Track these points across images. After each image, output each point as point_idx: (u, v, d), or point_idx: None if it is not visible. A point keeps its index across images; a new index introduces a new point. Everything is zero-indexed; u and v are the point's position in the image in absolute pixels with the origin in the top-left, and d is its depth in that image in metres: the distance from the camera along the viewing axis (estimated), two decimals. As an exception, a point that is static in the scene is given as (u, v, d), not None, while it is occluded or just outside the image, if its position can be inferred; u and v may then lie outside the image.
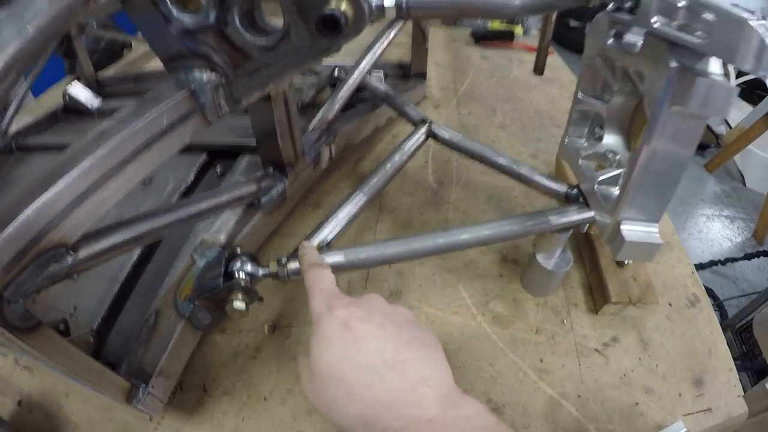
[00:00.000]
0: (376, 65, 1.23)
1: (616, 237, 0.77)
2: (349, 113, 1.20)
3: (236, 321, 0.91)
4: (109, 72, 1.76)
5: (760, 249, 3.23)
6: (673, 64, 0.60)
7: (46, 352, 0.53)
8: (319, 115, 1.03)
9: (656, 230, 0.77)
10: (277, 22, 0.59)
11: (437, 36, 2.13)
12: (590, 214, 0.85)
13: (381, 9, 0.55)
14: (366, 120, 1.22)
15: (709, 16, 0.54)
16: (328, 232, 0.79)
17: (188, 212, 0.70)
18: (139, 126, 0.54)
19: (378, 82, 1.23)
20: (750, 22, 0.49)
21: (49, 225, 0.47)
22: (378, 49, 1.19)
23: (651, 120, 0.66)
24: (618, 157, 0.87)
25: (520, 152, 1.36)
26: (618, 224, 0.76)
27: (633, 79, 0.75)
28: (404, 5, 0.55)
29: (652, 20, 0.61)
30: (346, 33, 0.51)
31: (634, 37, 0.76)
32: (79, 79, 1.56)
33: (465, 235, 0.78)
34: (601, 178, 0.83)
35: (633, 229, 0.76)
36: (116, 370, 0.70)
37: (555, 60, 1.92)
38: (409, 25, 1.38)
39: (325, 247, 0.78)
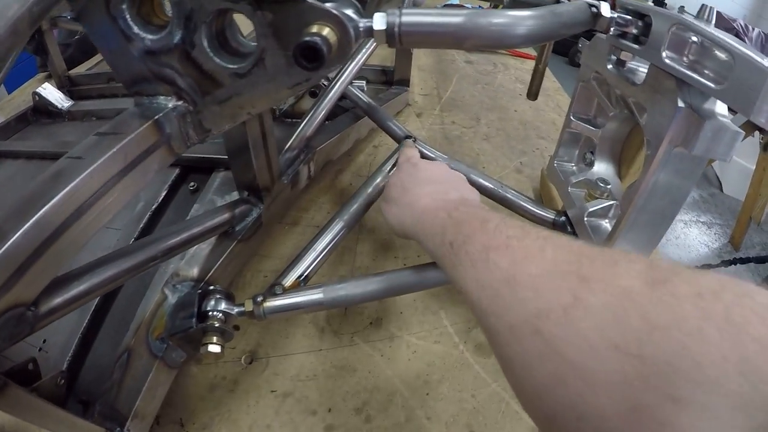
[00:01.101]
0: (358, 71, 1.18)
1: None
2: (329, 126, 1.14)
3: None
4: (83, 69, 1.69)
5: (737, 256, 3.25)
6: (681, 104, 0.56)
7: (16, 411, 0.49)
8: (297, 132, 0.97)
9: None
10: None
11: (421, 37, 2.09)
12: (579, 243, 0.82)
13: (369, 32, 0.49)
14: (347, 134, 1.17)
15: (723, 55, 0.50)
16: (307, 266, 0.75)
17: (158, 250, 0.64)
18: (99, 165, 0.47)
19: (360, 92, 1.18)
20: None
21: (6, 285, 0.42)
22: (362, 57, 1.14)
23: (649, 158, 0.63)
24: (609, 186, 0.83)
25: (505, 166, 1.33)
26: (609, 261, 0.73)
27: (631, 108, 0.71)
28: (397, 32, 0.49)
29: (663, 55, 0.57)
30: (329, 63, 0.45)
31: (638, 67, 0.72)
32: (50, 76, 1.50)
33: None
34: (592, 209, 0.80)
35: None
36: (89, 409, 0.67)
37: (540, 67, 1.89)
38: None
39: (303, 283, 0.74)
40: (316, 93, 1.15)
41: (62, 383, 0.60)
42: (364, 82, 1.35)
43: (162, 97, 0.55)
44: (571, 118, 0.89)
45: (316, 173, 1.05)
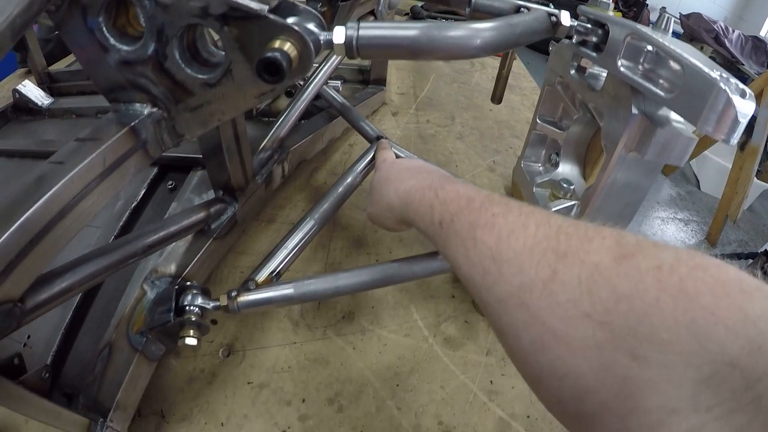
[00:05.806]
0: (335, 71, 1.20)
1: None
2: (304, 126, 1.16)
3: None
4: (63, 65, 1.68)
5: (713, 253, 3.30)
6: (634, 111, 0.59)
7: (4, 402, 0.52)
8: (271, 133, 1.00)
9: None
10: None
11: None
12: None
13: (329, 45, 0.52)
14: (321, 133, 1.19)
15: (676, 66, 0.53)
16: (279, 263, 0.77)
17: (137, 247, 0.67)
18: (79, 169, 0.50)
19: (335, 92, 1.20)
20: (720, 83, 0.47)
21: (-7, 283, 0.44)
22: (338, 58, 1.16)
23: (606, 161, 0.66)
24: (572, 187, 0.86)
25: (477, 165, 1.35)
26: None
27: (593, 112, 0.74)
28: (355, 45, 0.52)
29: (618, 63, 0.60)
30: (290, 75, 0.48)
31: (599, 74, 0.75)
32: (30, 72, 1.50)
33: (416, 267, 0.77)
34: (554, 209, 0.83)
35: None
36: (73, 402, 0.69)
37: (517, 65, 1.90)
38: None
39: (275, 279, 0.76)
40: (292, 93, 1.17)
41: (47, 376, 0.62)
42: (340, 82, 1.37)
43: (138, 104, 0.57)
44: (537, 120, 0.92)
45: (290, 172, 1.07)
